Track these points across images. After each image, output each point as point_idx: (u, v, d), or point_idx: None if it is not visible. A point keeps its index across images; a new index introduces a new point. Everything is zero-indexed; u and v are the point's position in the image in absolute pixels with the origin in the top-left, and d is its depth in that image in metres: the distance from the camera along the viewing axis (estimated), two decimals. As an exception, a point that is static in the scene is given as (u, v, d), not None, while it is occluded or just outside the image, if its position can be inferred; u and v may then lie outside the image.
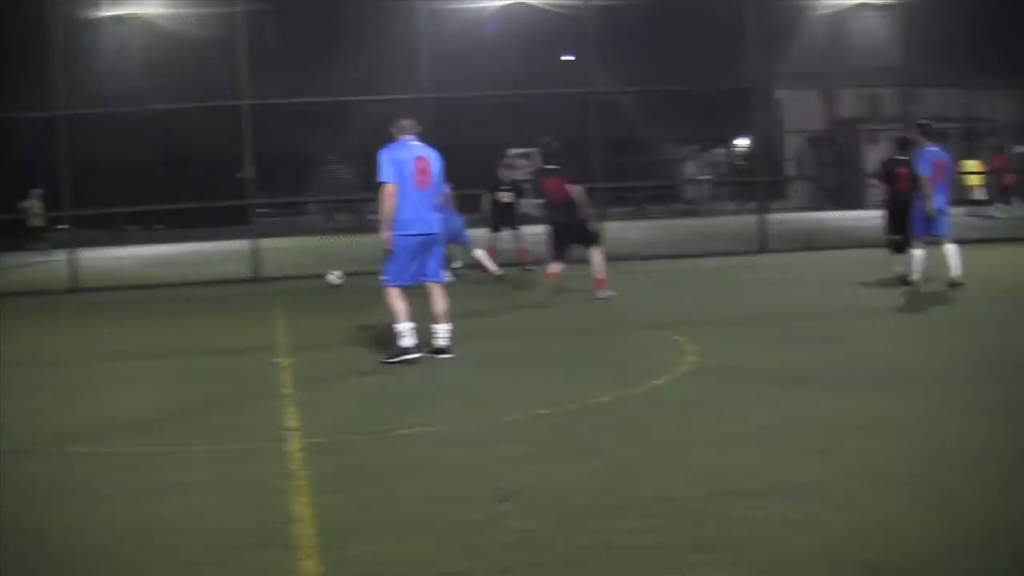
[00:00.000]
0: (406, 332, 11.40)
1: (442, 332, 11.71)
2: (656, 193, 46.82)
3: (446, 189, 12.75)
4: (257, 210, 26.89)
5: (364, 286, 19.50)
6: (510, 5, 37.83)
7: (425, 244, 11.52)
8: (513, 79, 36.71)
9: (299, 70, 39.93)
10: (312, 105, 37.23)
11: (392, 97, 30.40)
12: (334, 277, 19.70)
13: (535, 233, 19.13)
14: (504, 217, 21.79)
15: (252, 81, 24.23)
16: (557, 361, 11.76)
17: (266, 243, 24.46)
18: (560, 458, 7.45)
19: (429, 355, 11.52)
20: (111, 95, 38.23)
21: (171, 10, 38.21)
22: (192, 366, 12.45)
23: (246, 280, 22.59)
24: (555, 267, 16.62)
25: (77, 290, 22.66)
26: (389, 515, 6.31)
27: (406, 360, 11.30)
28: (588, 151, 23.22)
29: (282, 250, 26.11)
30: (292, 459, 7.66)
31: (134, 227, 44.60)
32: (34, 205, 34.37)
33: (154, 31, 39.99)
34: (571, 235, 16.61)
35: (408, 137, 11.68)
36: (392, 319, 11.49)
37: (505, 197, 21.59)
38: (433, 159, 11.66)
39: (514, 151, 40.30)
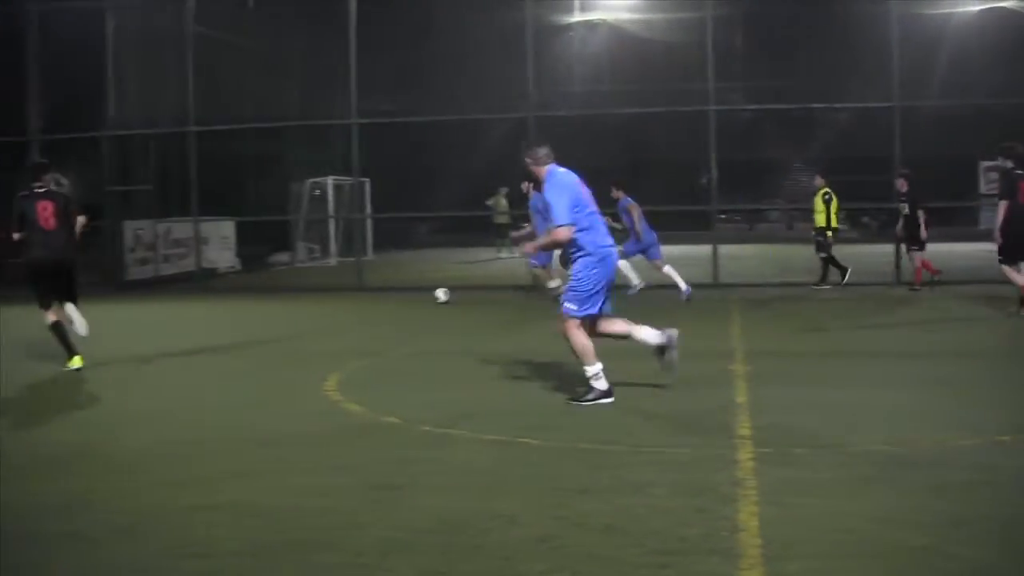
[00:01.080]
0: (599, 373, 10.35)
1: (653, 338, 10.78)
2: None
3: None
4: (719, 215, 27.12)
5: (828, 297, 19.36)
6: (989, 8, 36.47)
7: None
8: (989, 86, 35.37)
9: (763, 75, 39.91)
10: (775, 111, 37.11)
11: (858, 105, 29.94)
12: (441, 294, 20.23)
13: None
14: (909, 234, 21.32)
15: (717, 86, 24.33)
16: (1011, 384, 11.32)
17: (725, 249, 24.57)
18: (1018, 488, 7.17)
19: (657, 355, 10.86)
20: (579, 98, 39.37)
21: (640, 15, 39.01)
22: (647, 367, 12.61)
23: (706, 285, 22.67)
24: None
25: (535, 288, 23.40)
26: (834, 532, 6.23)
27: (601, 403, 10.29)
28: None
29: (742, 257, 26.10)
30: (742, 468, 7.68)
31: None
32: (499, 203, 35.73)
33: (622, 36, 40.97)
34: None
35: (552, 165, 10.73)
36: (581, 359, 10.38)
37: (903, 209, 21.22)
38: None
39: (987, 164, 38.92)
